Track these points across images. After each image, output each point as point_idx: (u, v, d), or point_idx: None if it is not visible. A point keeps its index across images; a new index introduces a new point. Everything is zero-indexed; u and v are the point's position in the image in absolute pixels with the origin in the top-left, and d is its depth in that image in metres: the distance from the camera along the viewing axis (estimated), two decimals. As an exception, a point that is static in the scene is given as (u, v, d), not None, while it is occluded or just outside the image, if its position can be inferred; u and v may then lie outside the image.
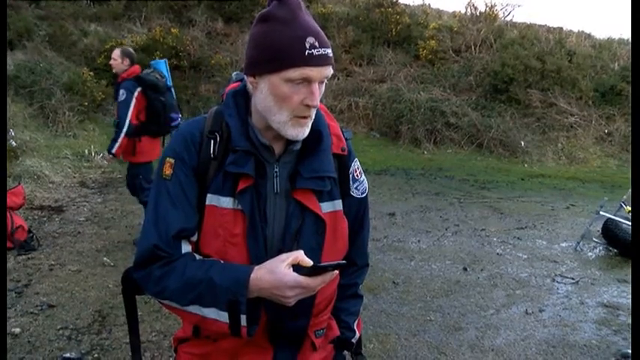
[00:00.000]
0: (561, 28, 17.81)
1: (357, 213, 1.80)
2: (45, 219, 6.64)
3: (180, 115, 5.88)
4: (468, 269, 5.67)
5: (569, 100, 14.17)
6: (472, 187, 9.89)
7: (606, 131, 13.68)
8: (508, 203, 8.74)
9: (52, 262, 5.22)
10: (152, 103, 5.52)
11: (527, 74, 14.16)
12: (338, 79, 15.07)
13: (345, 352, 1.97)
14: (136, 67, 5.55)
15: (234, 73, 1.89)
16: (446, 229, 7.03)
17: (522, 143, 12.77)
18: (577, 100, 14.24)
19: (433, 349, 4.06)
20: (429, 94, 13.85)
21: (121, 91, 5.39)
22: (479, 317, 4.61)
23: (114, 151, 5.46)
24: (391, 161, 11.18)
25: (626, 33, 17.48)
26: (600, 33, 27.23)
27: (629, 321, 4.65)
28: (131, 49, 5.86)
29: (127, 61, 5.53)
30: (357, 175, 1.78)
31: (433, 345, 4.11)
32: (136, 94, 5.41)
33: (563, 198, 9.43)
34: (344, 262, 1.44)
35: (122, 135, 5.39)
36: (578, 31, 17.86)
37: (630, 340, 3.84)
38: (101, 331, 3.97)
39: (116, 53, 5.59)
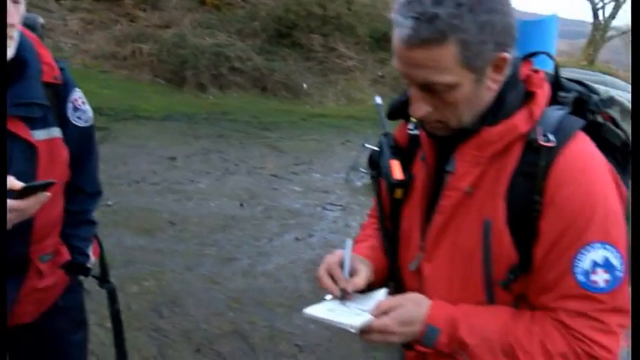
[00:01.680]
0: (339, -24, 18.70)
1: (82, 141, 1.85)
2: None
3: None
4: (245, 205, 5.95)
5: (348, 45, 15.10)
6: (255, 128, 10.18)
7: (380, 74, 14.89)
8: (288, 142, 9.20)
9: None
10: None
11: (309, 20, 14.73)
12: (121, 24, 14.29)
13: (83, 278, 2.05)
14: None
15: None
16: (226, 169, 7.22)
17: (305, 85, 13.40)
18: (355, 45, 15.23)
19: (207, 279, 4.27)
20: (214, 39, 13.77)
21: None
22: (252, 247, 4.91)
23: None
24: (176, 107, 11.03)
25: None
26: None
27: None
28: None
29: None
30: (79, 105, 1.83)
31: (207, 276, 4.32)
32: None
33: (340, 135, 10.17)
34: (52, 181, 1.49)
35: None
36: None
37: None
38: None
39: None
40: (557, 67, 1.19)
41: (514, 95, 1.11)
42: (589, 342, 1.04)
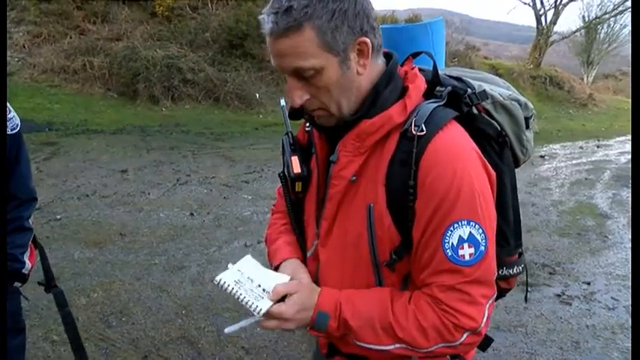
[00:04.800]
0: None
1: (11, 149, 1.95)
2: None
3: None
4: (195, 214, 6.03)
5: (301, 53, 15.31)
6: (207, 139, 10.26)
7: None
8: (240, 152, 9.30)
9: None
10: None
11: (260, 30, 14.86)
12: (70, 37, 14.17)
13: (18, 284, 2.12)
14: None
15: None
16: (177, 180, 7.28)
17: (257, 95, 13.52)
18: (306, 53, 15.46)
19: (156, 288, 4.34)
20: (165, 51, 13.78)
21: None
22: (201, 255, 4.99)
23: None
24: (128, 120, 11.04)
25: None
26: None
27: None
28: None
29: None
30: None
31: (156, 285, 4.39)
32: None
33: (293, 143, 10.31)
34: None
35: None
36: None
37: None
38: None
39: None
40: (435, 65, 1.31)
41: (390, 89, 1.23)
42: (456, 313, 1.18)
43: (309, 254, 1.43)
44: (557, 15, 23.06)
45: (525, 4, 23.80)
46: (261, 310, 1.17)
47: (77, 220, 5.59)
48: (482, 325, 1.21)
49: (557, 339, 3.96)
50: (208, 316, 3.97)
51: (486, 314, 1.21)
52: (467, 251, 1.16)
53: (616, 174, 9.75)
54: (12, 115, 1.93)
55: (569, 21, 58.49)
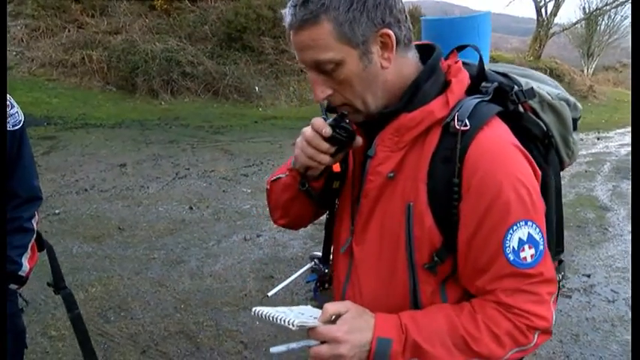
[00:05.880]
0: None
1: (12, 145, 1.91)
2: None
3: None
4: (194, 208, 6.02)
5: (299, 46, 15.26)
6: (206, 132, 10.24)
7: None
8: (239, 145, 9.28)
9: None
10: None
11: (259, 23, 14.81)
12: (69, 31, 14.11)
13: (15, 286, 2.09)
14: None
15: None
16: (176, 174, 7.27)
17: (257, 88, 13.48)
18: (305, 47, 15.40)
19: (155, 283, 4.33)
20: (164, 44, 13.73)
21: None
22: (200, 249, 4.98)
23: None
24: (127, 114, 11.02)
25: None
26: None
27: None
28: None
29: None
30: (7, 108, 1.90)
31: (155, 280, 4.38)
32: None
33: (292, 136, 10.21)
34: None
35: None
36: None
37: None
38: None
39: None
40: (481, 59, 1.26)
41: (432, 83, 1.18)
42: (528, 315, 1.12)
43: (342, 250, 1.37)
44: (557, 6, 22.99)
45: (525, -5, 23.74)
46: (294, 321, 1.06)
47: (76, 215, 5.58)
48: (553, 322, 1.17)
49: (556, 332, 3.95)
50: (207, 311, 3.96)
51: (553, 311, 1.17)
52: (528, 253, 1.12)
53: (616, 166, 9.72)
54: (15, 110, 1.89)
55: (570, 12, 58.26)
